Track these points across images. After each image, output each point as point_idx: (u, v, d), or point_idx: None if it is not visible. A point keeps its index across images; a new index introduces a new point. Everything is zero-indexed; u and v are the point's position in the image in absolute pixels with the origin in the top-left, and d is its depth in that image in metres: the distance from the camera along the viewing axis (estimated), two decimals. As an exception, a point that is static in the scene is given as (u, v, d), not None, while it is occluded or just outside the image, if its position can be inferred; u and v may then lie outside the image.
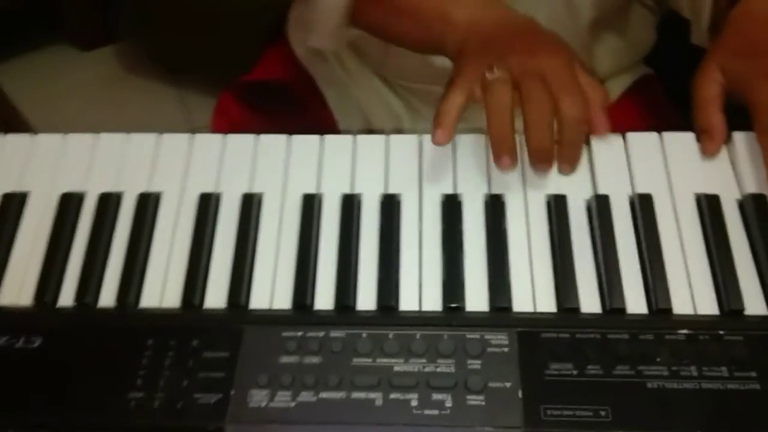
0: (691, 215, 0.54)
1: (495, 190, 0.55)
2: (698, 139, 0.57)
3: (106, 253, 0.54)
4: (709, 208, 0.53)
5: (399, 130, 0.83)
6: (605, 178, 0.55)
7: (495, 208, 0.54)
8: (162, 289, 0.53)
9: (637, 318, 0.49)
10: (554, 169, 0.56)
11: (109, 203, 0.56)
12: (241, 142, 0.59)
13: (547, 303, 0.50)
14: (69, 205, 0.56)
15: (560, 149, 0.54)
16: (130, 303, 0.51)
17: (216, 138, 0.60)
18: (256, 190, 0.57)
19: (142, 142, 0.59)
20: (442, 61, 0.79)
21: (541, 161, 0.54)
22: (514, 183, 0.55)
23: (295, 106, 0.89)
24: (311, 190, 0.56)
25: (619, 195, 0.54)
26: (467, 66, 0.56)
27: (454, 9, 0.60)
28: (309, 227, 0.54)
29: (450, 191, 0.55)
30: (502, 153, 0.52)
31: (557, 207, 0.53)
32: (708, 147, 0.56)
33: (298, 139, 0.59)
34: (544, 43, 0.57)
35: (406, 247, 0.53)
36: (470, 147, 0.58)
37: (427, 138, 0.57)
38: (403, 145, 0.58)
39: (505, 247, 0.52)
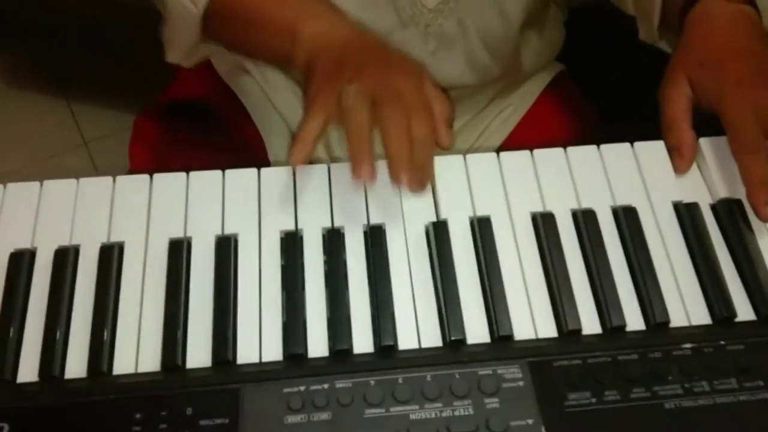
0: (671, 225, 0.54)
1: (480, 212, 0.54)
2: (669, 155, 0.57)
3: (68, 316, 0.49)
4: (689, 216, 0.53)
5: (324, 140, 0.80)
6: (586, 192, 0.55)
7: (483, 230, 0.52)
8: (136, 351, 0.48)
9: (637, 335, 0.49)
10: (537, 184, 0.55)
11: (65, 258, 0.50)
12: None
13: (547, 328, 0.49)
14: (19, 263, 0.49)
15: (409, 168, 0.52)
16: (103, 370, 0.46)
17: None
18: (227, 231, 0.53)
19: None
20: None
21: (398, 173, 0.51)
22: (497, 201, 0.54)
23: (217, 125, 0.85)
24: (290, 227, 0.53)
25: (601, 207, 0.54)
26: (322, 88, 0.54)
27: (303, 24, 0.58)
28: (294, 268, 0.50)
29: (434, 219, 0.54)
30: (360, 164, 0.50)
31: (545, 224, 0.52)
32: (679, 165, 0.56)
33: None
34: (395, 61, 0.57)
35: (396, 282, 0.51)
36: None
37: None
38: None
39: (498, 273, 0.50)
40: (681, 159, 0.56)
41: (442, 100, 0.55)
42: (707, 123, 0.57)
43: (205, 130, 0.84)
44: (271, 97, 0.82)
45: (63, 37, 1.38)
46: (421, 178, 0.52)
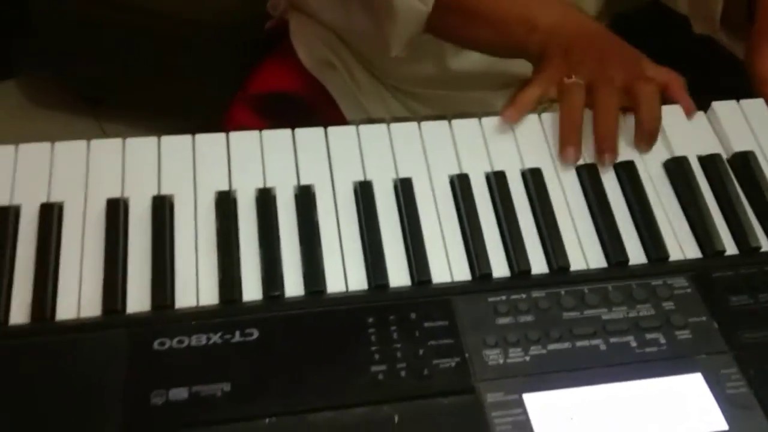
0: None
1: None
2: None
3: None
4: None
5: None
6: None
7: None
8: (344, 273, 0.53)
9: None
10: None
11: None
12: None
13: (695, 251, 0.56)
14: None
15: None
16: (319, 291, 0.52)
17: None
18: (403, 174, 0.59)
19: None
20: (459, 65, 0.85)
21: (603, 152, 0.60)
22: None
23: (311, 116, 0.91)
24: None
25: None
26: (548, 68, 0.63)
27: (538, 16, 0.67)
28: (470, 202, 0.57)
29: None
30: (567, 144, 0.59)
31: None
32: None
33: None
34: (616, 50, 0.66)
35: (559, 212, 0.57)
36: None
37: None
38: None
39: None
40: None
41: (670, 72, 0.63)
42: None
43: (300, 122, 0.90)
44: (357, 94, 0.89)
45: (93, 56, 1.38)
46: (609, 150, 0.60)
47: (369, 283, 0.52)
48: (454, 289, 0.52)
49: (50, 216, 0.52)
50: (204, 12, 1.25)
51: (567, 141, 0.59)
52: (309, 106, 0.90)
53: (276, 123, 0.89)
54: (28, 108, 1.55)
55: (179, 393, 0.45)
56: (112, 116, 1.54)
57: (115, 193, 0.54)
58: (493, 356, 0.48)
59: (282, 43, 0.93)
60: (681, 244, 0.56)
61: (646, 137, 0.60)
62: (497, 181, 0.58)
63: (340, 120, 0.88)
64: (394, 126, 0.62)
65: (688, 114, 0.63)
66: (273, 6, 0.96)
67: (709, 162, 0.61)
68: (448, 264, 0.54)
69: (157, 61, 1.34)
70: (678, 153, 0.61)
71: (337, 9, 0.83)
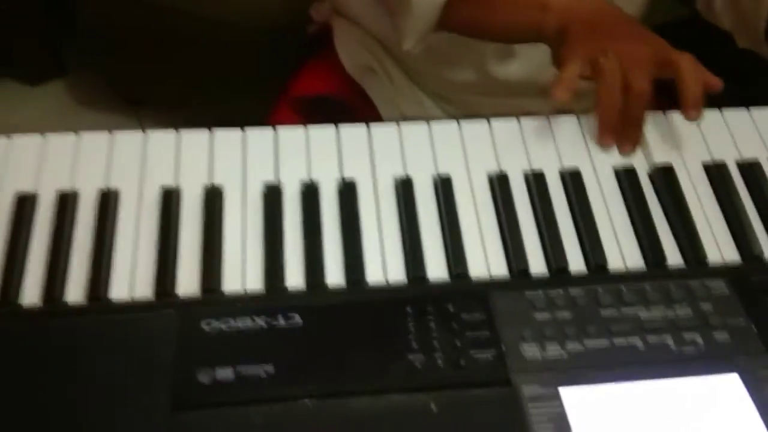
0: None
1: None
2: None
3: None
4: None
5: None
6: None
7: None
8: (384, 265, 0.55)
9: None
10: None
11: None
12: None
13: (734, 253, 0.56)
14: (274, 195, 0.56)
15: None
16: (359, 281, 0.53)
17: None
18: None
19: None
20: (500, 72, 0.86)
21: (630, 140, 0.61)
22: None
23: (352, 119, 0.92)
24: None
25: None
26: (577, 47, 0.63)
27: None
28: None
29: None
30: (604, 134, 0.61)
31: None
32: None
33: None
34: (637, 30, 0.66)
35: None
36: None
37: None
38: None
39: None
40: None
41: (688, 55, 0.63)
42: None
43: (336, 123, 0.92)
44: (397, 100, 0.90)
45: (137, 59, 1.41)
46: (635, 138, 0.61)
47: (407, 275, 0.54)
48: (491, 283, 0.53)
49: (107, 202, 0.54)
50: (246, 17, 1.27)
51: (605, 127, 0.60)
52: (349, 109, 0.92)
53: (317, 124, 0.92)
54: (72, 106, 1.60)
55: (225, 372, 0.46)
56: (153, 117, 1.58)
57: (169, 183, 0.57)
58: (530, 350, 0.49)
59: (324, 47, 0.95)
60: (720, 247, 0.57)
61: (694, 103, 0.60)
62: (536, 181, 0.59)
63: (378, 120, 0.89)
64: (434, 124, 0.64)
65: (716, 88, 0.62)
66: (316, 11, 0.99)
67: (748, 168, 0.61)
68: (485, 259, 0.55)
69: (198, 64, 1.37)
70: (717, 156, 0.62)
71: (371, 12, 0.84)
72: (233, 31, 1.30)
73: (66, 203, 0.55)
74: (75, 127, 1.74)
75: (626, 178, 0.60)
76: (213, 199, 0.56)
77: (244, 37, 1.29)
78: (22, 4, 1.40)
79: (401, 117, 0.91)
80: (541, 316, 0.51)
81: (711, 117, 0.64)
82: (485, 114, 0.94)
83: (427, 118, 0.91)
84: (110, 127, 1.72)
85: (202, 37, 1.31)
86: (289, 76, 0.98)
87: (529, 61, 0.82)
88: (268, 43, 1.24)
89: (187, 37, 1.33)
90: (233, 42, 1.31)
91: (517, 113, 0.90)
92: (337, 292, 0.52)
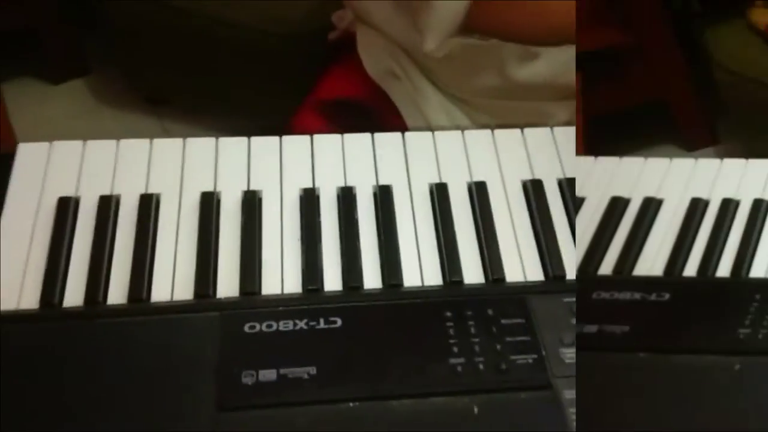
0: None
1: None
2: None
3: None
4: None
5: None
6: None
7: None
8: (420, 268, 0.55)
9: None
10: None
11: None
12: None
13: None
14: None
15: None
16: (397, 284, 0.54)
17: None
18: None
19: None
20: (523, 75, 0.86)
21: None
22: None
23: (374, 122, 0.93)
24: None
25: None
26: None
27: None
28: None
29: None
30: None
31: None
32: None
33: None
34: None
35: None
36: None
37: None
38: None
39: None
40: None
41: None
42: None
43: (364, 128, 0.93)
44: (420, 104, 0.91)
45: (157, 56, 1.42)
46: None
47: (444, 279, 0.54)
48: (529, 288, 0.53)
49: (148, 206, 0.55)
50: (270, 22, 1.29)
51: None
52: (372, 112, 0.92)
53: (341, 128, 0.93)
54: (95, 105, 1.60)
55: (268, 374, 0.47)
56: (175, 117, 1.59)
57: (208, 187, 0.57)
58: (570, 354, 0.49)
59: (348, 52, 0.96)
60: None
61: None
62: (569, 188, 0.60)
63: (402, 127, 0.90)
64: (468, 132, 0.64)
65: None
66: (339, 18, 0.99)
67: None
68: (521, 264, 0.56)
69: (221, 67, 1.38)
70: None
71: (394, 18, 0.85)
72: (257, 36, 1.31)
73: (108, 207, 0.55)
74: (97, 126, 1.74)
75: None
76: (251, 204, 0.56)
77: (267, 41, 1.30)
78: (47, 3, 1.42)
79: (425, 122, 0.92)
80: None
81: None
82: (508, 118, 0.95)
83: (451, 122, 0.93)
84: (132, 127, 1.72)
85: (226, 41, 1.32)
86: (313, 81, 0.99)
87: (551, 64, 0.83)
88: (291, 48, 1.25)
89: (210, 41, 1.34)
90: (255, 46, 1.32)
91: (540, 117, 0.91)
92: (374, 295, 0.53)
